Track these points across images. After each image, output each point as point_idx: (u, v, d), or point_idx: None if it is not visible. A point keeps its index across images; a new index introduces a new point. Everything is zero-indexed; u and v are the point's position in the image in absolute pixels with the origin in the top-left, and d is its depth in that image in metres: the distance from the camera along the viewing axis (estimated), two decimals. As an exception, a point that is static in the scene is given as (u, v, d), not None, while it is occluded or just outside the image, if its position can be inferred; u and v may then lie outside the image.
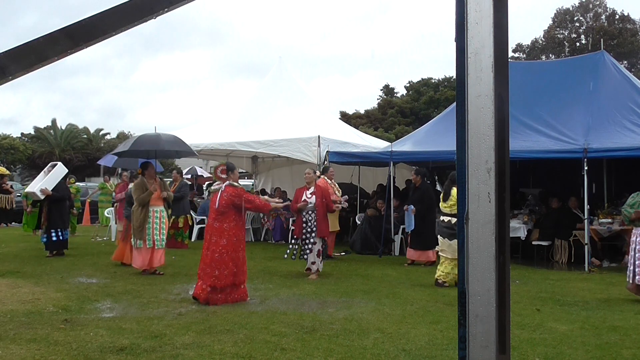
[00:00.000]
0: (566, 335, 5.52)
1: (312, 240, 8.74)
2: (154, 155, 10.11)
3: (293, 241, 9.18)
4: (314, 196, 8.89)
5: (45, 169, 11.07)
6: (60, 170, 11.08)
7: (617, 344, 5.24)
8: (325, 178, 11.24)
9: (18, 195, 17.76)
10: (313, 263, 8.79)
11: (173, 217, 12.00)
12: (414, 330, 5.61)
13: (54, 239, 10.88)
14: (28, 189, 10.74)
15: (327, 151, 12.41)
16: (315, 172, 9.38)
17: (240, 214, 7.06)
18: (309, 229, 8.77)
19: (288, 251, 9.04)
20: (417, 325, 5.82)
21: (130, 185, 10.19)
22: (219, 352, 4.80)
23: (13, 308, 6.39)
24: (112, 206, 13.96)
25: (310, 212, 8.80)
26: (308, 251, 8.77)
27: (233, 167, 7.33)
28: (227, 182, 7.13)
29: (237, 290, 6.97)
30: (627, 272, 7.25)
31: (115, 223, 13.19)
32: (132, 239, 8.93)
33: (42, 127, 42.65)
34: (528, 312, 6.51)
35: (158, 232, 8.81)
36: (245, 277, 7.10)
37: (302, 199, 8.90)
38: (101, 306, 6.63)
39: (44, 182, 10.87)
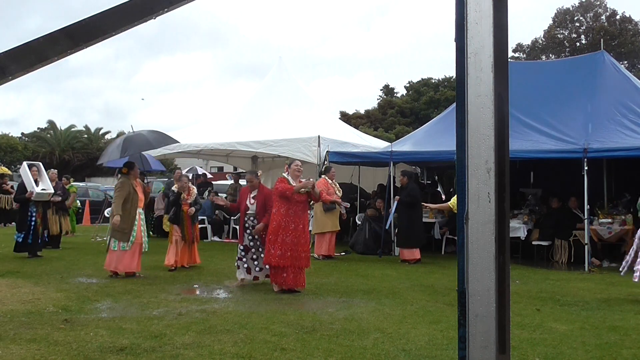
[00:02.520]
0: (566, 335, 5.52)
1: (260, 249, 8.03)
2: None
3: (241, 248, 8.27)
4: (256, 202, 8.14)
5: (28, 169, 10.79)
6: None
7: (617, 344, 5.24)
8: (326, 178, 11.26)
9: (18, 195, 17.74)
10: (261, 269, 8.06)
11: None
12: (414, 330, 5.61)
13: (47, 239, 11.06)
14: (39, 190, 10.61)
15: (327, 151, 12.41)
16: (257, 176, 8.53)
17: (288, 204, 7.58)
18: (250, 236, 8.14)
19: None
20: (417, 325, 5.82)
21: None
22: (219, 352, 4.80)
23: (13, 308, 6.39)
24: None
25: (252, 218, 8.12)
26: (246, 262, 8.12)
27: (291, 163, 8.04)
28: (283, 175, 7.88)
29: (302, 275, 7.68)
30: (635, 273, 7.19)
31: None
32: (111, 242, 8.58)
33: (43, 127, 42.73)
34: (528, 312, 6.51)
35: (144, 235, 8.74)
36: (308, 263, 7.75)
37: (245, 203, 8.23)
38: (101, 306, 6.63)
39: (46, 184, 10.88)
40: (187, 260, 9.52)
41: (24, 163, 11.06)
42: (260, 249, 8.02)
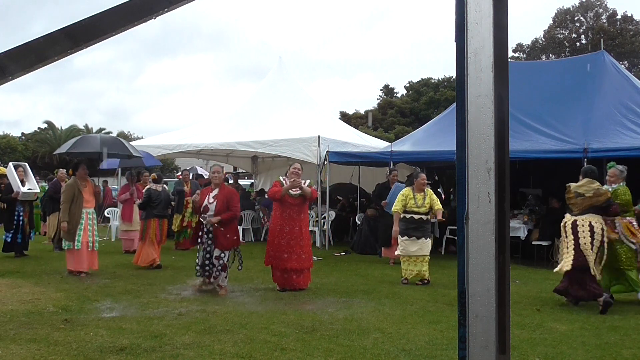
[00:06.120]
0: (566, 335, 5.52)
1: (215, 254, 7.46)
2: (99, 157, 10.42)
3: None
4: (215, 201, 7.49)
5: (13, 169, 10.85)
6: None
7: (617, 344, 5.25)
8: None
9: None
10: (215, 278, 7.46)
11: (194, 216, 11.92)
12: (414, 330, 5.61)
13: (32, 238, 11.28)
14: (25, 190, 10.70)
15: (327, 151, 12.42)
16: (223, 171, 8.03)
17: (283, 206, 7.69)
18: (209, 241, 7.47)
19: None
20: (417, 325, 5.82)
21: (151, 186, 10.21)
22: (219, 352, 4.80)
23: (13, 308, 6.39)
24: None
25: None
26: (211, 266, 7.44)
27: (290, 165, 8.16)
28: (279, 178, 7.97)
29: (296, 277, 7.71)
30: None
31: (118, 222, 13.21)
32: (63, 243, 8.74)
33: (42, 128, 42.71)
34: (528, 312, 6.52)
35: (91, 234, 8.74)
36: (297, 265, 7.66)
37: (204, 204, 7.58)
38: (101, 306, 6.63)
39: (32, 184, 11.02)
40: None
41: (10, 164, 11.20)
42: (213, 253, 7.45)
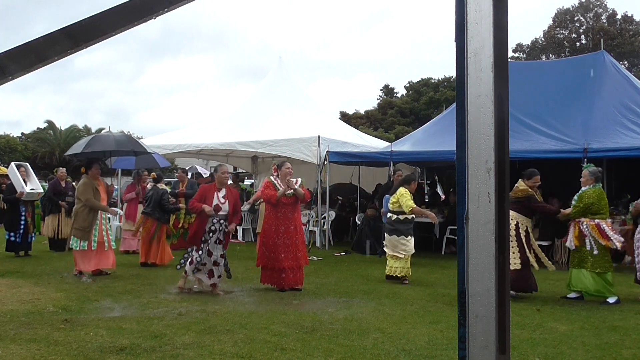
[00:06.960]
0: (566, 335, 5.52)
1: (219, 253, 7.47)
2: (109, 155, 10.26)
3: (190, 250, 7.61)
4: (227, 201, 7.50)
5: (16, 169, 10.84)
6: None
7: (617, 344, 5.25)
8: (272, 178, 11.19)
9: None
10: (219, 277, 7.54)
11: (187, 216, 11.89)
12: (414, 330, 5.61)
13: (33, 238, 11.27)
14: (28, 190, 10.70)
15: (327, 151, 12.42)
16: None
17: (277, 207, 7.74)
18: (216, 239, 7.44)
19: (182, 261, 7.70)
20: (417, 325, 5.82)
21: (149, 186, 10.36)
22: (219, 352, 4.80)
23: (13, 308, 6.39)
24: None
25: (221, 220, 7.45)
26: (208, 265, 7.47)
27: (280, 165, 8.04)
28: (270, 178, 8.01)
29: (293, 275, 7.73)
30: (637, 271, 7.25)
31: (120, 222, 13.21)
32: (71, 241, 8.63)
33: (42, 128, 42.71)
34: (528, 312, 6.52)
35: (106, 234, 8.67)
36: (294, 263, 7.69)
37: (214, 202, 7.41)
38: (101, 306, 6.63)
39: (34, 184, 11.02)
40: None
41: (12, 164, 11.17)
42: (221, 254, 7.51)
